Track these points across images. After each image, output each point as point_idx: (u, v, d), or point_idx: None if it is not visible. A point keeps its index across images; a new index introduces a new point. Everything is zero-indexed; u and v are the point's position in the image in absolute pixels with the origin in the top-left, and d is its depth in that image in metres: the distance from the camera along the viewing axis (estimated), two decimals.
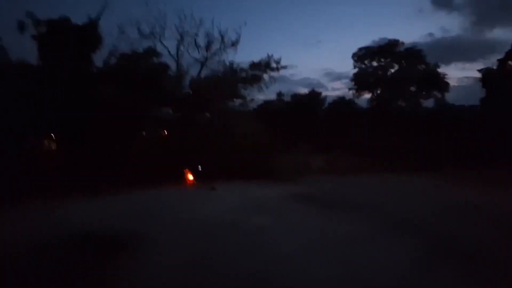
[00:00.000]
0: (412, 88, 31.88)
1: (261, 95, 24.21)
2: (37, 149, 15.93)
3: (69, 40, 17.95)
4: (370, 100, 31.99)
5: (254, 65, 21.97)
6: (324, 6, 57.77)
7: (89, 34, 18.83)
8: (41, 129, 15.58)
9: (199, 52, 20.77)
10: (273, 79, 22.55)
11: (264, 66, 21.99)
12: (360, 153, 22.53)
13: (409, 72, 31.11)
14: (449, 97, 30.79)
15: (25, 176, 13.04)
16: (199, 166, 16.39)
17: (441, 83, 30.82)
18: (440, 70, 30.89)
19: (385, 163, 20.50)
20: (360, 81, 31.47)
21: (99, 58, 18.73)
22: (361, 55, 30.98)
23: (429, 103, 31.15)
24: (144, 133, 19.17)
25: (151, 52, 19.86)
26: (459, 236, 7.20)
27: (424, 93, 31.63)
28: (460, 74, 67.45)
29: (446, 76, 30.54)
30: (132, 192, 13.63)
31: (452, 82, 31.56)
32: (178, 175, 16.46)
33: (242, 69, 21.78)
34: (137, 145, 17.51)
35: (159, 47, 20.14)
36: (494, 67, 26.47)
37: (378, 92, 32.15)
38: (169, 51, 20.37)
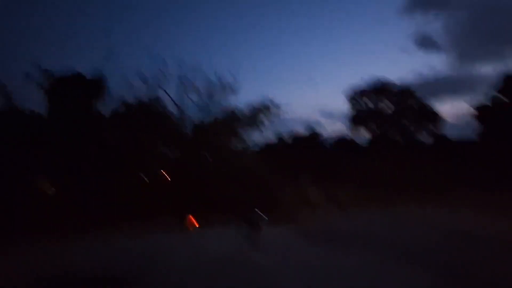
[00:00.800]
0: (407, 123, 32.80)
1: (260, 136, 24.82)
2: (41, 191, 16.04)
3: (76, 90, 19.00)
4: (368, 136, 32.73)
5: (252, 108, 22.88)
6: (315, 45, 61.32)
7: (95, 85, 19.95)
8: (46, 172, 15.82)
9: (199, 98, 21.74)
10: (271, 120, 23.32)
11: (262, 108, 22.89)
12: (362, 188, 22.58)
13: (402, 108, 32.27)
14: (443, 130, 31.66)
15: (29, 217, 13.02)
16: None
17: (434, 117, 31.81)
18: (431, 105, 32.18)
19: (387, 195, 20.49)
20: (356, 119, 32.49)
21: (104, 105, 19.59)
22: (354, 95, 32.42)
23: (424, 136, 31.95)
24: (146, 175, 19.35)
25: (154, 98, 20.81)
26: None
27: (419, 127, 32.48)
28: (450, 109, 69.53)
29: (437, 111, 31.70)
30: (135, 234, 13.47)
31: (444, 116, 32.61)
32: (180, 216, 16.29)
33: (241, 112, 22.63)
34: (140, 188, 17.63)
35: (162, 94, 21.15)
36: (487, 102, 27.60)
37: (375, 128, 33.01)
38: (170, 97, 21.34)
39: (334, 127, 59.71)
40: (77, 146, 16.39)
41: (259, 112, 23.47)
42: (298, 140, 28.79)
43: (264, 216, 11.37)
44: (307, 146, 28.50)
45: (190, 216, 16.58)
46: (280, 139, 29.48)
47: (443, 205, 17.11)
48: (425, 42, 56.70)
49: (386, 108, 32.62)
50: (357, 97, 33.54)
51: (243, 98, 34.47)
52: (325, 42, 62.38)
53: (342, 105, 33.19)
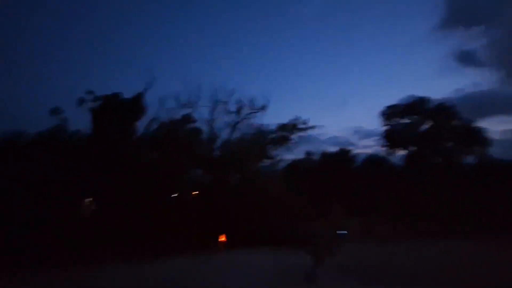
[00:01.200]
0: (449, 144, 30.71)
1: (290, 155, 24.74)
2: (79, 212, 17.12)
3: (119, 112, 20.57)
4: (405, 157, 31.02)
5: (282, 127, 23.02)
6: (350, 66, 60.97)
7: (135, 106, 21.48)
8: (86, 193, 17.01)
9: (229, 117, 22.43)
10: (301, 140, 23.25)
11: (291, 127, 22.94)
12: (399, 215, 21.24)
13: (443, 128, 30.37)
14: (492, 151, 29.07)
15: (67, 240, 13.88)
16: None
17: (481, 138, 29.45)
18: (476, 124, 29.88)
19: (428, 226, 19.02)
20: (391, 138, 31.07)
21: (141, 126, 20.93)
22: (389, 113, 31.14)
23: (469, 159, 29.51)
24: (178, 195, 19.96)
25: (187, 119, 21.85)
26: None
27: (463, 149, 30.22)
28: (498, 128, 63.93)
29: (484, 131, 29.32)
30: (169, 257, 13.77)
31: (490, 136, 30.06)
32: (211, 239, 16.44)
33: (270, 131, 22.87)
34: (172, 209, 18.16)
35: (194, 114, 22.17)
36: None
37: (412, 149, 31.28)
38: (202, 118, 22.28)
39: (369, 149, 57.59)
40: (116, 167, 17.46)
41: (290, 131, 23.53)
42: (329, 160, 28.17)
43: (342, 234, 9.64)
44: (338, 167, 27.74)
45: (221, 238, 16.71)
46: (311, 159, 29.08)
47: (493, 239, 15.56)
48: (468, 59, 53.62)
49: (424, 127, 30.94)
50: (392, 115, 32.26)
51: (276, 120, 34.78)
52: (362, 63, 61.59)
53: (378, 126, 31.95)
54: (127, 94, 21.47)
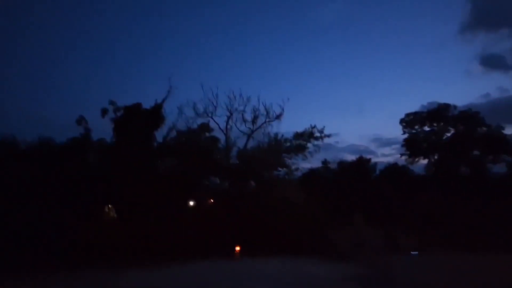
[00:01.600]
0: (476, 153, 29.38)
1: (306, 164, 24.51)
2: (100, 218, 17.75)
3: (139, 122, 21.33)
4: (427, 166, 29.95)
5: (298, 135, 22.98)
6: (368, 72, 59.96)
7: (155, 116, 22.20)
8: (106, 199, 17.64)
9: (246, 125, 22.67)
10: (317, 148, 23.06)
11: (307, 135, 22.83)
12: (422, 226, 20.35)
13: (469, 135, 29.14)
14: None
15: (88, 245, 14.42)
16: None
17: (510, 146, 28.00)
18: (505, 131, 28.47)
19: (455, 239, 18.04)
20: (412, 146, 30.16)
21: (160, 135, 21.56)
22: (409, 120, 30.33)
23: (499, 168, 28.04)
24: (195, 203, 20.28)
25: (204, 127, 22.29)
26: None
27: (490, 157, 28.80)
28: None
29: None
30: (185, 263, 13.91)
31: None
32: (228, 246, 16.49)
33: (286, 140, 22.87)
34: (189, 215, 18.45)
35: (211, 123, 22.59)
36: None
37: (436, 157, 30.17)
38: (219, 126, 22.66)
39: (389, 157, 55.78)
40: (136, 174, 18.01)
41: (306, 139, 23.40)
42: (347, 169, 27.66)
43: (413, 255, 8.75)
44: (357, 176, 27.15)
45: (237, 246, 16.71)
46: (329, 168, 28.68)
47: None
48: (494, 63, 51.43)
49: (448, 135, 29.82)
50: (413, 123, 31.38)
51: (292, 128, 34.75)
52: (381, 68, 60.50)
53: (399, 133, 31.09)
54: (147, 102, 22.27)
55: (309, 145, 22.91)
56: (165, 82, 21.65)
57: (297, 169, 23.47)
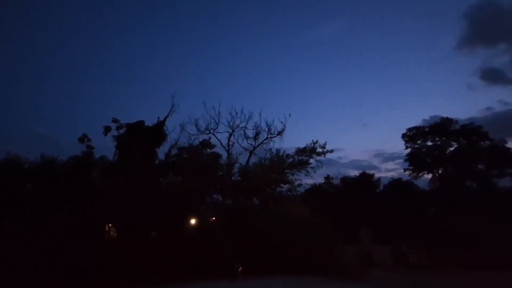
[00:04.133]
0: (481, 167, 29.11)
1: (309, 179, 24.24)
2: (101, 237, 17.48)
3: (141, 139, 21.41)
4: (432, 181, 29.63)
5: (300, 151, 22.82)
6: (369, 87, 60.36)
7: (157, 133, 22.31)
8: (107, 218, 17.44)
9: (248, 142, 22.61)
10: (320, 163, 22.84)
11: (309, 151, 22.68)
12: (431, 242, 19.81)
13: (472, 149, 28.97)
14: None
15: (89, 263, 14.16)
16: None
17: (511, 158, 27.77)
18: (508, 145, 28.29)
19: (466, 256, 17.48)
20: (416, 161, 29.97)
21: (162, 151, 21.57)
22: (412, 135, 30.28)
23: (504, 182, 27.67)
24: (197, 220, 19.98)
25: (206, 144, 22.30)
26: None
27: (496, 171, 28.50)
28: None
29: None
30: (189, 282, 13.57)
31: None
32: (231, 265, 16.07)
33: (288, 155, 22.70)
34: (192, 233, 18.11)
35: (213, 140, 22.59)
36: None
37: (440, 172, 29.90)
38: (221, 143, 22.61)
39: (392, 172, 55.03)
40: (137, 192, 17.88)
41: (308, 155, 23.25)
42: (351, 185, 27.38)
43: None
44: (361, 192, 26.85)
45: (240, 266, 16.25)
46: (332, 184, 28.40)
47: None
48: (495, 77, 51.80)
49: (451, 148, 29.66)
50: (416, 137, 31.32)
51: (294, 143, 34.75)
52: (382, 84, 60.97)
53: (402, 148, 30.92)
54: (150, 119, 22.44)
55: (311, 160, 22.70)
56: (168, 99, 21.90)
57: (300, 185, 23.17)
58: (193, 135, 22.05)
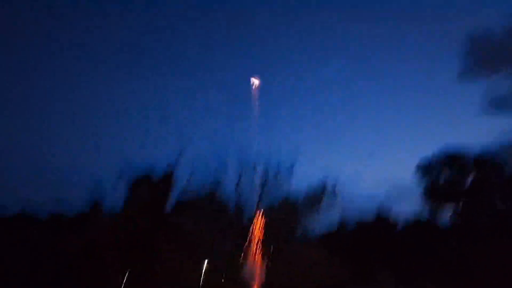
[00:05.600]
0: (494, 199, 27.70)
1: (323, 220, 23.46)
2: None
3: (151, 189, 21.57)
4: (452, 216, 28.12)
5: (310, 192, 22.52)
6: (377, 118, 59.01)
7: (166, 182, 22.33)
8: (115, 268, 16.97)
9: (257, 184, 22.40)
10: (332, 202, 22.37)
11: (320, 191, 22.39)
12: (456, 282, 18.42)
13: (490, 182, 27.84)
14: None
15: None
16: None
17: None
18: None
19: None
20: (432, 196, 28.77)
21: (172, 196, 21.45)
22: (425, 168, 29.39)
23: None
24: (208, 266, 19.25)
25: (215, 188, 22.17)
26: None
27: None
28: None
29: None
30: None
31: None
32: None
33: (298, 198, 22.37)
34: (204, 280, 17.41)
35: (222, 185, 22.45)
36: None
37: (459, 206, 28.48)
38: (231, 183, 22.38)
39: (408, 206, 52.06)
40: (147, 239, 17.62)
41: (319, 195, 22.88)
42: (365, 225, 26.21)
43: None
44: (376, 232, 25.62)
45: None
46: (345, 225, 27.25)
47: None
48: (504, 102, 51.35)
49: (467, 180, 28.57)
50: (431, 169, 30.40)
51: (304, 179, 34.08)
52: (389, 118, 60.69)
53: (416, 180, 29.72)
54: (160, 162, 22.49)
55: (323, 200, 22.30)
56: (177, 142, 22.26)
57: (314, 227, 22.48)
58: (203, 178, 22.00)
